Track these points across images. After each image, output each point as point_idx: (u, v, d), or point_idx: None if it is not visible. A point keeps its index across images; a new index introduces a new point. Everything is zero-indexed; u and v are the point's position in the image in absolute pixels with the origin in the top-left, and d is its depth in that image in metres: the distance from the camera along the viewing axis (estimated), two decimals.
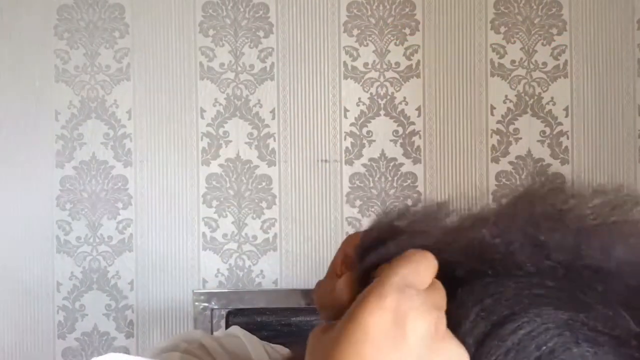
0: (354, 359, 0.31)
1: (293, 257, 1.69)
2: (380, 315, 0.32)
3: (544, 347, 0.33)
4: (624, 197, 0.38)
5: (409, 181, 1.68)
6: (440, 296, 0.35)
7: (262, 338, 0.60)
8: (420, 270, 0.34)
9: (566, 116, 1.68)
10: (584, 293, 0.34)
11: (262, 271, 1.70)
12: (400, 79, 1.69)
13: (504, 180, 1.67)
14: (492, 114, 1.68)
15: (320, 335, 0.35)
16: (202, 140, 1.70)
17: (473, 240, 0.37)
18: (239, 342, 0.57)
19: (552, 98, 1.68)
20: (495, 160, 1.68)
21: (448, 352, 0.33)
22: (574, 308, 0.34)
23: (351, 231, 1.67)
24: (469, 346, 0.34)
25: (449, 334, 0.34)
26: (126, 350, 1.70)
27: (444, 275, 0.36)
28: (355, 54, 1.70)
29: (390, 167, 1.69)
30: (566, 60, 1.68)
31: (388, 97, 1.69)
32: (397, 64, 1.69)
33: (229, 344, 0.56)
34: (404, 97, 1.69)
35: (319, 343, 0.35)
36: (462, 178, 1.68)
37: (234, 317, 1.39)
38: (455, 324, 0.34)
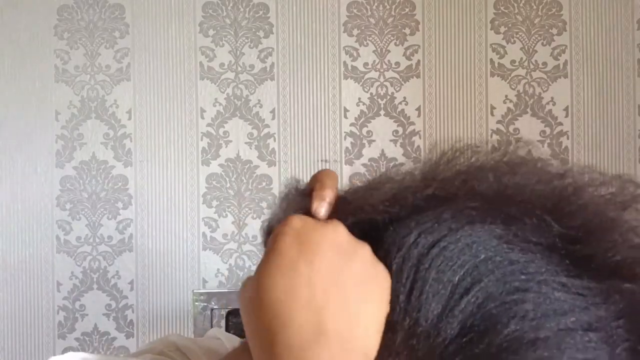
0: (265, 283, 0.36)
1: None
2: (283, 241, 0.37)
3: (482, 256, 0.36)
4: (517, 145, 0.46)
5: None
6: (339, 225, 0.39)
7: None
8: (325, 182, 0.42)
9: (566, 116, 1.68)
10: (512, 208, 0.38)
11: None
12: (400, 79, 1.69)
13: None
14: (492, 114, 1.68)
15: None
16: (202, 140, 1.70)
17: (403, 186, 0.42)
18: (218, 342, 0.57)
19: (552, 98, 1.68)
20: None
21: (358, 254, 0.37)
22: (506, 222, 0.37)
23: None
24: (410, 266, 0.37)
25: (353, 238, 0.38)
26: (127, 351, 1.70)
27: (368, 229, 0.39)
28: (355, 54, 1.70)
29: (390, 167, 1.69)
30: (566, 60, 1.68)
31: (388, 97, 1.69)
32: (397, 64, 1.69)
33: (206, 344, 0.56)
34: (404, 97, 1.69)
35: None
36: None
37: (234, 317, 1.39)
38: (393, 249, 0.38)
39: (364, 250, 0.37)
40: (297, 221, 0.39)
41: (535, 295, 0.35)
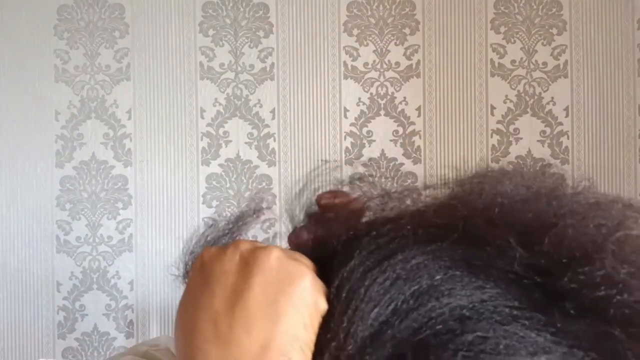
0: (177, 319, 0.36)
1: None
2: (191, 276, 0.37)
3: (437, 277, 0.32)
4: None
5: (409, 181, 1.68)
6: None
7: None
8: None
9: (566, 116, 1.68)
10: (478, 230, 0.33)
11: None
12: (400, 79, 1.69)
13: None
14: (492, 114, 1.68)
15: None
16: (202, 140, 1.70)
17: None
18: None
19: (552, 98, 1.68)
20: (495, 160, 1.68)
21: (282, 279, 0.33)
22: (468, 244, 0.33)
23: None
24: (352, 283, 0.33)
25: (285, 261, 0.34)
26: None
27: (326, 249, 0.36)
28: (355, 54, 1.69)
29: (390, 167, 1.69)
30: (566, 60, 1.68)
31: (388, 97, 1.69)
32: (397, 63, 1.69)
33: None
34: (404, 97, 1.69)
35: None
36: None
37: None
38: (341, 264, 0.34)
39: (296, 272, 0.33)
40: (205, 253, 0.36)
41: (487, 326, 0.30)
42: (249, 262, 0.34)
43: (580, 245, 0.32)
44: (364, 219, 0.38)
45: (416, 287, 0.32)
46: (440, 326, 0.31)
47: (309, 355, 0.32)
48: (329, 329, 0.33)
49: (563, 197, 0.35)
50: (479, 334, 0.30)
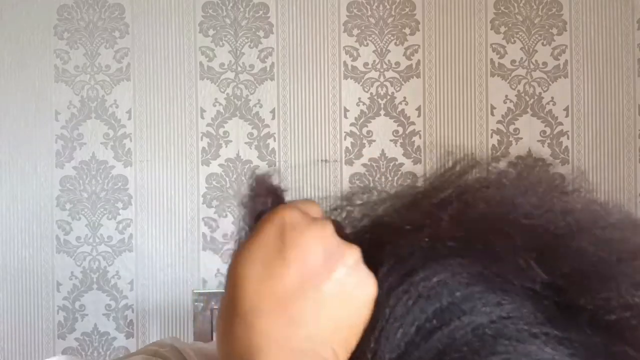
0: (240, 271, 0.35)
1: None
2: (266, 231, 0.35)
3: (458, 294, 0.33)
4: (526, 161, 0.40)
5: (409, 181, 1.68)
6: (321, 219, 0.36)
7: None
8: (308, 205, 0.37)
9: (566, 116, 1.68)
10: (497, 243, 0.34)
11: None
12: (400, 79, 1.69)
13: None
14: (492, 114, 1.68)
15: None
16: (202, 140, 1.70)
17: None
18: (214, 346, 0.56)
19: (552, 98, 1.68)
20: (495, 160, 1.67)
21: (343, 258, 0.34)
22: (487, 259, 0.34)
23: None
24: (381, 296, 0.34)
25: (340, 240, 0.35)
26: (127, 351, 1.70)
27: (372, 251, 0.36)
28: (355, 54, 1.69)
29: (390, 167, 1.69)
30: (566, 60, 1.68)
31: (388, 97, 1.69)
32: (397, 63, 1.69)
33: (205, 347, 0.55)
34: (404, 97, 1.69)
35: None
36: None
37: None
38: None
39: (350, 255, 0.35)
40: (287, 213, 0.36)
41: (508, 345, 0.31)
42: (333, 255, 0.34)
43: (597, 269, 0.33)
44: (385, 219, 0.39)
45: (437, 305, 0.33)
46: (465, 347, 0.31)
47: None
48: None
49: (579, 212, 0.36)
50: (501, 355, 0.31)
